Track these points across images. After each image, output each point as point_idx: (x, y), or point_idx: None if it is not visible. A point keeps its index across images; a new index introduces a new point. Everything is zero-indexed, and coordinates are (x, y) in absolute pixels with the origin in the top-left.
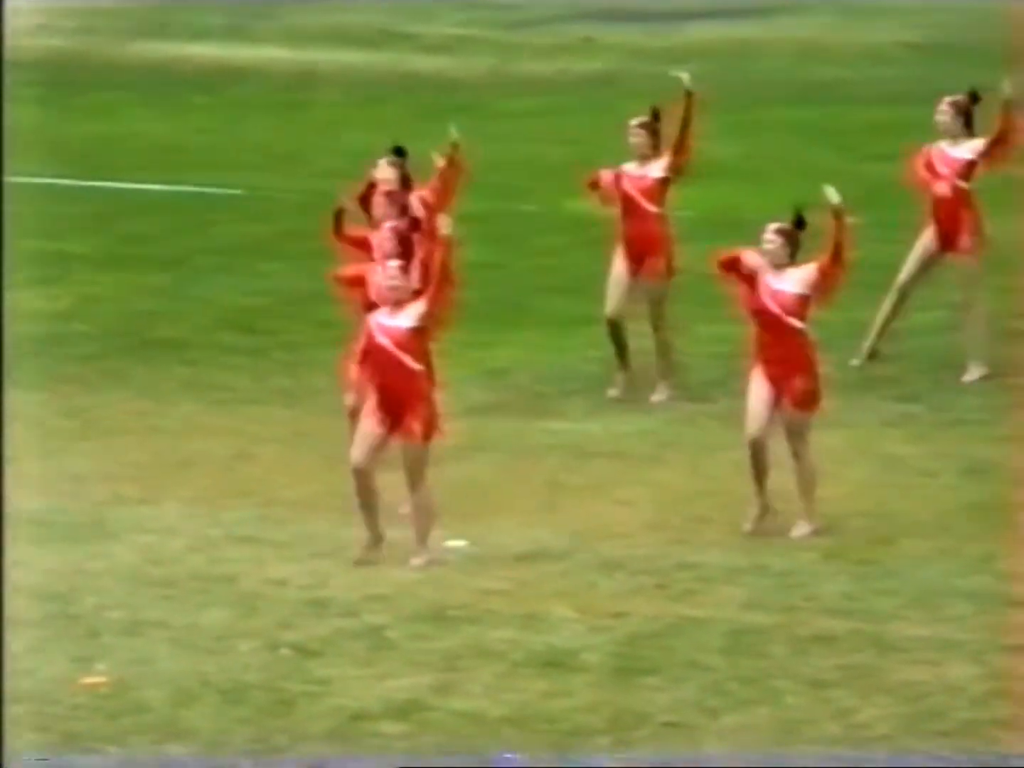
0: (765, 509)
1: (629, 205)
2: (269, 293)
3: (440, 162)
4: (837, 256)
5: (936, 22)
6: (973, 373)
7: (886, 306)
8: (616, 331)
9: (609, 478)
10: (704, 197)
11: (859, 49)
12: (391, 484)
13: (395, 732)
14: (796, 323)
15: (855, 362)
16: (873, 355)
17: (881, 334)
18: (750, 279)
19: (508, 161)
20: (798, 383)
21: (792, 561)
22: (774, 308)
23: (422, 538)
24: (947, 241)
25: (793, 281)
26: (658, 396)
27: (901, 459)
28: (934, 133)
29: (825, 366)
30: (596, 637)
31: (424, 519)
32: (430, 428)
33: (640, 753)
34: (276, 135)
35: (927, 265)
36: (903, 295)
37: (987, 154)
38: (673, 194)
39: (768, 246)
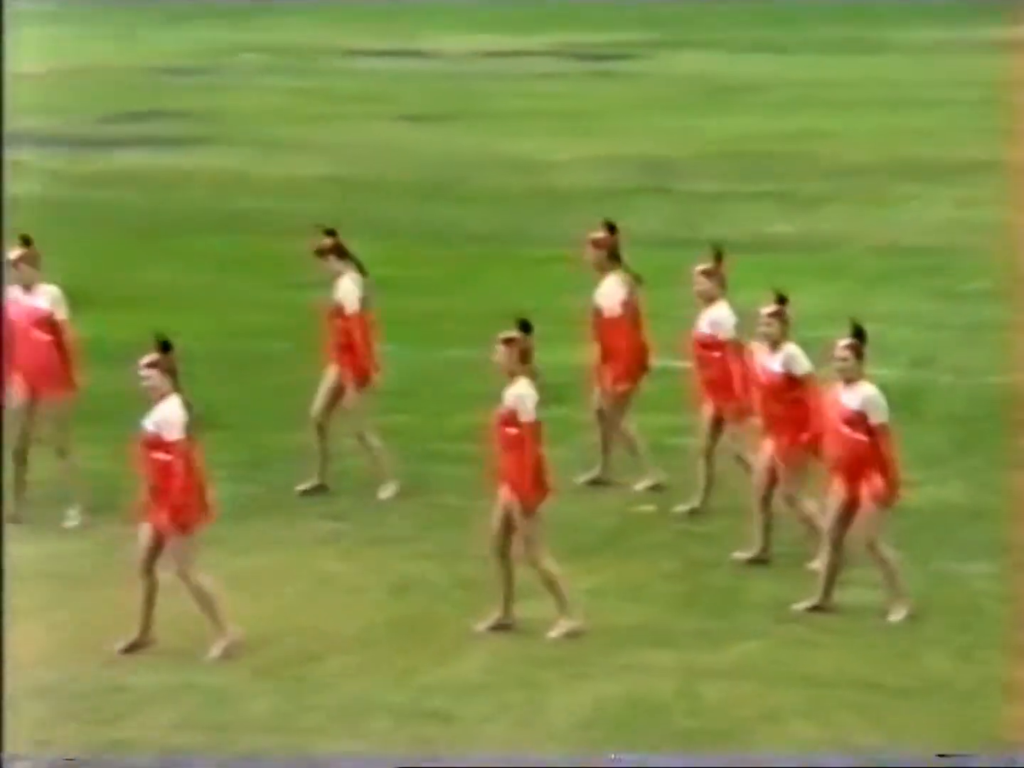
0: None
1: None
2: None
3: None
4: None
5: (352, 157)
6: (388, 490)
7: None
8: None
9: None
10: (132, 323)
11: (280, 181)
12: None
13: None
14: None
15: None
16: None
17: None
18: None
19: None
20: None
21: (222, 678)
22: None
23: None
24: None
25: None
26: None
27: (332, 576)
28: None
29: (258, 487)
30: None
31: None
32: None
33: None
34: None
35: (336, 395)
36: (320, 427)
37: None
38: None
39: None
